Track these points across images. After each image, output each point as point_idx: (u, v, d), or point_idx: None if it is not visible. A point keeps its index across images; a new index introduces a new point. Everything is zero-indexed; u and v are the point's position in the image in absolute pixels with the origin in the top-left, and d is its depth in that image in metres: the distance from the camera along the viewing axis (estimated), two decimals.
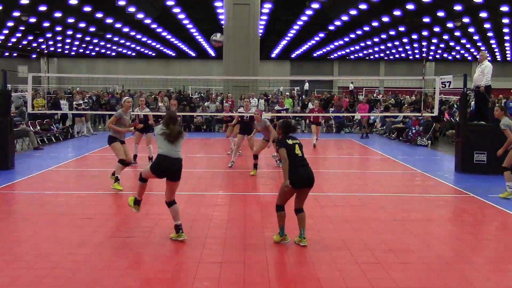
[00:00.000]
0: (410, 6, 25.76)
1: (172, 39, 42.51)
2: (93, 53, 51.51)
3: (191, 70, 51.26)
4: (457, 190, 10.42)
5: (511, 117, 10.68)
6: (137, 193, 7.02)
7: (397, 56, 52.63)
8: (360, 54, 52.33)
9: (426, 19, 29.59)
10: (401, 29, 33.73)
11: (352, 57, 54.27)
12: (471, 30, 34.07)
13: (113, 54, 52.22)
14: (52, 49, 46.79)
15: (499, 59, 49.84)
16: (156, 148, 6.77)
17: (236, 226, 7.48)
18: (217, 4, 27.60)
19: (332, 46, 46.05)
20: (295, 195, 6.50)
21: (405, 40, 41.48)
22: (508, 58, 50.68)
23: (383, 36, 38.05)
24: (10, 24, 33.00)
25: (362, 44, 43.65)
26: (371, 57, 54.26)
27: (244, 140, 13.10)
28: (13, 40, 40.64)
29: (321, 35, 38.92)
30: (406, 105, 24.28)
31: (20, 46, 45.13)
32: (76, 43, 44.25)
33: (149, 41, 43.14)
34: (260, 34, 29.38)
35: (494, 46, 42.64)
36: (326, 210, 8.39)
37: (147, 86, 33.94)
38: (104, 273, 5.53)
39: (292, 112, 23.95)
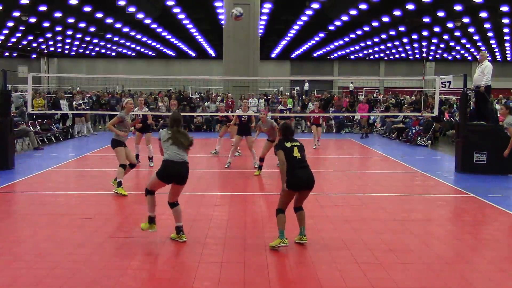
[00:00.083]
0: (410, 6, 25.77)
1: (172, 39, 42.52)
2: (93, 53, 51.53)
3: (191, 70, 51.29)
4: (457, 190, 10.42)
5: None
6: (148, 209, 6.74)
7: (397, 56, 52.64)
8: (360, 54, 52.34)
9: (426, 19, 29.59)
10: (401, 29, 33.74)
11: (352, 57, 54.29)
12: (471, 30, 34.07)
13: (113, 54, 52.24)
14: (52, 49, 46.81)
15: (499, 59, 49.85)
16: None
17: (236, 226, 7.48)
18: (217, 4, 27.60)
19: (332, 46, 46.06)
20: (295, 196, 6.49)
21: (405, 40, 41.49)
22: (508, 58, 50.68)
23: (383, 36, 38.06)
24: (10, 24, 33.01)
25: (362, 44, 43.66)
26: (371, 57, 54.27)
27: (242, 140, 13.06)
28: (13, 40, 40.65)
29: (321, 35, 38.94)
30: (406, 105, 24.28)
31: (20, 46, 45.14)
32: (76, 43, 44.27)
33: (149, 41, 43.15)
34: (260, 34, 29.39)
35: (494, 46, 42.66)
36: (326, 210, 8.39)
37: (147, 86, 33.94)
38: (104, 273, 5.53)
39: (292, 112, 23.94)
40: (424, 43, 43.11)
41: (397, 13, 27.67)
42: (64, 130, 19.77)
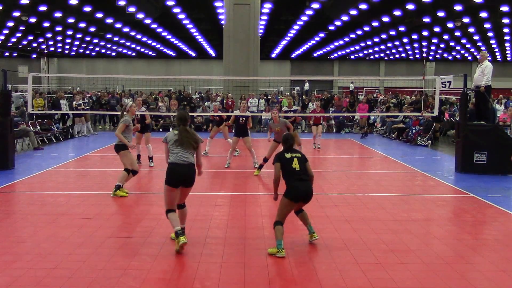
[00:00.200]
0: (410, 6, 25.77)
1: (172, 39, 42.53)
2: (93, 53, 51.54)
3: (191, 70, 51.32)
4: (457, 190, 10.42)
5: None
6: (173, 226, 6.30)
7: (397, 56, 52.65)
8: (360, 54, 52.35)
9: (426, 19, 29.59)
10: (401, 29, 33.74)
11: (352, 57, 54.30)
12: (471, 30, 34.08)
13: (113, 54, 52.25)
14: (52, 49, 46.83)
15: (499, 59, 49.85)
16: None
17: (236, 226, 7.49)
18: (217, 4, 27.61)
19: (332, 46, 46.07)
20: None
21: (405, 40, 41.50)
22: (508, 58, 50.69)
23: (383, 36, 38.06)
24: (10, 24, 33.02)
25: (362, 44, 43.67)
26: (371, 57, 54.28)
27: (239, 141, 13.04)
28: (13, 40, 40.68)
29: (321, 35, 38.95)
30: (406, 105, 24.29)
31: (20, 46, 45.17)
32: (76, 43, 44.29)
33: (149, 41, 43.16)
34: (260, 34, 29.40)
35: (494, 46, 42.66)
36: (326, 210, 8.39)
37: (147, 86, 33.96)
38: (104, 273, 5.53)
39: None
40: (424, 43, 43.12)
41: (397, 13, 27.67)
42: (64, 130, 19.78)
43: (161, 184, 10.55)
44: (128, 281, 5.35)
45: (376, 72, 53.40)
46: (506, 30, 33.88)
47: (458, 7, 25.85)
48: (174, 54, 52.82)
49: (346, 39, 40.76)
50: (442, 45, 43.76)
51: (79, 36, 39.59)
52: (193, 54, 52.76)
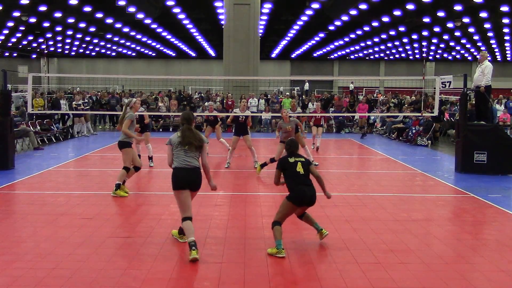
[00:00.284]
0: (410, 6, 25.77)
1: (172, 39, 42.53)
2: (93, 53, 51.55)
3: (191, 70, 51.30)
4: (457, 190, 10.42)
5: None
6: (187, 236, 6.09)
7: (397, 56, 52.66)
8: (360, 54, 52.36)
9: (426, 19, 29.60)
10: (401, 29, 33.74)
11: (352, 57, 54.30)
12: (471, 30, 34.08)
13: (113, 54, 52.25)
14: (52, 49, 46.84)
15: (499, 59, 49.85)
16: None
17: (236, 226, 7.49)
18: (217, 4, 27.62)
19: (332, 46, 46.08)
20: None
21: (405, 40, 41.50)
22: (508, 58, 50.69)
23: (383, 36, 38.06)
24: (10, 24, 33.03)
25: (362, 44, 43.67)
26: (371, 57, 54.29)
27: (240, 140, 13.02)
28: (13, 40, 40.68)
29: (321, 35, 38.95)
30: (406, 105, 24.30)
31: (20, 46, 45.17)
32: (76, 43, 44.29)
33: (149, 41, 43.16)
34: (260, 34, 29.40)
35: (494, 46, 42.66)
36: (326, 210, 8.39)
37: (147, 86, 33.94)
38: (104, 273, 5.53)
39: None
40: (424, 43, 43.12)
41: (397, 13, 27.68)
42: (64, 130, 19.78)
43: (161, 184, 10.63)
44: (128, 281, 5.35)
45: (376, 72, 53.39)
46: (506, 30, 33.88)
47: (458, 7, 25.86)
48: (174, 54, 52.83)
49: (346, 39, 40.76)
50: (442, 45, 43.76)
51: (79, 36, 39.60)
52: (193, 54, 52.76)
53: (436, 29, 33.88)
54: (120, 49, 49.25)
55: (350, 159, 15.60)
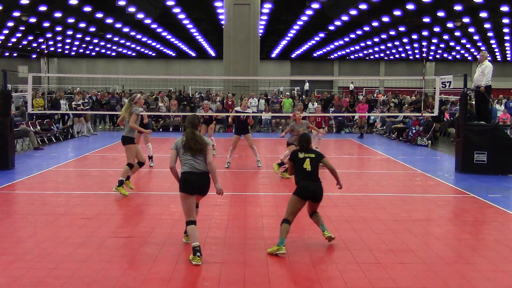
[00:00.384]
0: (410, 6, 25.77)
1: (172, 39, 42.53)
2: (93, 53, 51.55)
3: (191, 70, 51.30)
4: (457, 190, 10.42)
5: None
6: (191, 241, 6.02)
7: (397, 56, 52.66)
8: (360, 54, 52.36)
9: (426, 19, 29.59)
10: (401, 29, 33.74)
11: (352, 57, 54.31)
12: (471, 30, 34.08)
13: (113, 54, 52.25)
14: (52, 49, 46.83)
15: (499, 59, 49.84)
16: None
17: (236, 226, 7.49)
18: (217, 4, 27.62)
19: (332, 46, 46.08)
20: (307, 205, 6.52)
21: (405, 40, 41.50)
22: (508, 58, 50.69)
23: (383, 36, 38.06)
24: (10, 24, 33.03)
25: (362, 44, 43.67)
26: (371, 57, 54.29)
27: (240, 139, 13.00)
28: (13, 40, 40.67)
29: (321, 35, 38.95)
30: (406, 105, 24.31)
31: (20, 46, 45.16)
32: (76, 43, 44.29)
33: (149, 41, 43.16)
34: (260, 34, 29.40)
35: (494, 46, 42.65)
36: (326, 210, 8.38)
37: (147, 86, 33.94)
38: (104, 273, 5.53)
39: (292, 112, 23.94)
40: (424, 43, 43.12)
41: (397, 13, 27.67)
42: (64, 130, 19.78)
43: (161, 184, 10.63)
44: (128, 281, 5.36)
45: (376, 72, 53.38)
46: (506, 30, 33.87)
47: (458, 7, 25.86)
48: (174, 54, 52.83)
49: (346, 39, 40.75)
50: (442, 45, 43.75)
51: (79, 36, 39.59)
52: (193, 54, 52.76)
53: (436, 29, 33.88)
54: (120, 49, 49.24)
55: (350, 159, 15.60)
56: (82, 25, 33.24)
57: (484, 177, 11.70)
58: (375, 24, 31.95)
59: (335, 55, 52.66)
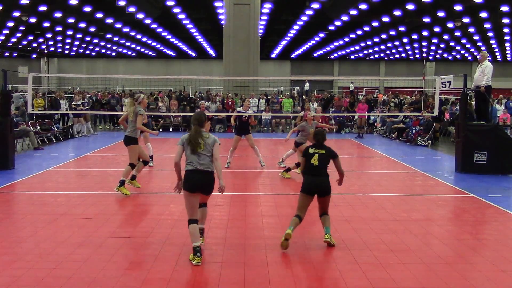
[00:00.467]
0: (410, 6, 25.77)
1: (172, 39, 42.53)
2: (93, 53, 51.56)
3: (191, 70, 51.30)
4: (457, 190, 10.42)
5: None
6: (191, 240, 5.99)
7: (397, 56, 52.66)
8: (360, 54, 52.36)
9: (426, 19, 29.60)
10: (401, 29, 33.75)
11: (352, 57, 54.31)
12: (471, 30, 34.08)
13: (113, 54, 52.25)
14: (52, 49, 46.82)
15: (499, 59, 49.84)
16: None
17: (236, 226, 7.49)
18: (217, 4, 27.62)
19: (332, 46, 46.08)
20: (317, 202, 6.62)
21: (405, 40, 41.50)
22: (508, 58, 50.69)
23: (383, 36, 38.06)
24: (10, 24, 33.03)
25: (362, 44, 43.67)
26: (371, 57, 54.29)
27: (241, 140, 13.00)
28: (13, 40, 40.68)
29: (321, 35, 38.95)
30: (406, 105, 24.32)
31: (20, 46, 45.17)
32: (76, 43, 44.29)
33: (149, 41, 43.16)
34: (260, 34, 29.41)
35: (494, 46, 42.65)
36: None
37: (147, 86, 33.94)
38: (104, 273, 5.53)
39: (292, 112, 23.97)
40: (424, 43, 43.11)
41: (397, 13, 27.68)
42: (64, 130, 19.78)
43: (161, 184, 10.63)
44: (128, 281, 5.35)
45: (376, 72, 53.38)
46: (506, 30, 33.87)
47: (458, 7, 25.86)
48: (174, 54, 52.83)
49: (346, 39, 40.75)
50: (442, 45, 43.75)
51: (79, 36, 39.59)
52: (193, 54, 52.76)
53: (436, 29, 33.88)
54: (120, 49, 49.25)
55: (350, 159, 15.59)
56: (82, 25, 33.24)
57: (484, 177, 11.70)
58: (375, 24, 31.95)
59: (335, 55, 52.67)
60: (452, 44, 42.28)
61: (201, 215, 6.31)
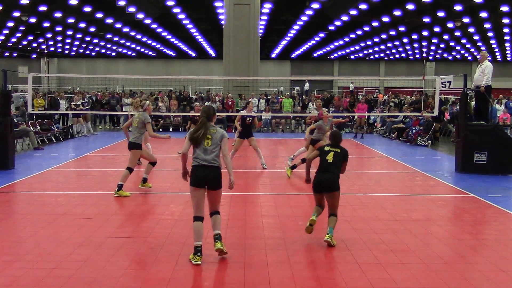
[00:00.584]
0: (410, 6, 25.76)
1: (172, 39, 42.52)
2: (93, 53, 51.55)
3: (191, 70, 51.30)
4: (457, 190, 10.42)
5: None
6: (194, 238, 5.98)
7: (397, 56, 52.65)
8: (360, 54, 52.35)
9: (426, 19, 29.59)
10: (401, 29, 33.74)
11: (352, 57, 54.30)
12: (471, 30, 34.07)
13: (113, 54, 52.25)
14: (52, 49, 46.81)
15: (499, 59, 49.84)
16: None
17: (236, 226, 7.49)
18: (217, 4, 27.61)
19: (332, 46, 46.07)
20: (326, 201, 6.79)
21: (405, 40, 41.49)
22: (508, 58, 50.68)
23: (383, 36, 38.06)
24: (10, 24, 33.02)
25: (362, 44, 43.66)
26: (371, 57, 54.28)
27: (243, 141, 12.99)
28: (13, 40, 40.67)
29: (321, 35, 38.95)
30: (406, 105, 24.32)
31: (20, 46, 45.16)
32: (76, 43, 44.28)
33: (149, 41, 43.15)
34: (260, 34, 29.40)
35: (494, 46, 42.64)
36: (326, 210, 8.38)
37: (147, 86, 33.95)
38: (104, 273, 5.53)
39: (292, 112, 23.98)
40: (424, 43, 43.10)
41: (397, 13, 27.66)
42: (64, 130, 19.78)
43: (161, 185, 10.64)
44: (128, 281, 5.36)
45: (376, 72, 53.38)
46: (506, 30, 33.86)
47: (458, 7, 25.85)
48: (174, 54, 52.82)
49: (346, 39, 40.74)
50: (442, 45, 43.74)
51: (79, 36, 39.58)
52: (193, 54, 52.76)
53: (436, 29, 33.87)
54: (120, 49, 49.24)
55: (350, 159, 15.53)
56: (82, 25, 33.22)
57: (484, 177, 11.70)
58: (375, 24, 31.94)
59: (335, 55, 52.66)
60: (452, 44, 42.28)
61: (213, 223, 6.11)
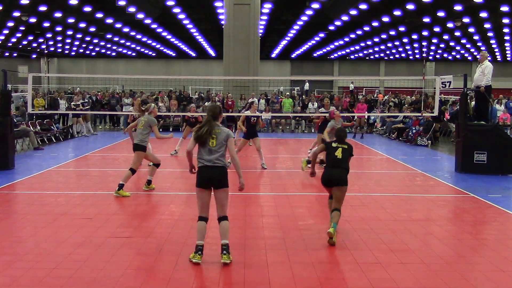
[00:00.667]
0: (410, 6, 25.77)
1: (172, 39, 42.52)
2: (93, 53, 51.55)
3: (191, 70, 51.31)
4: (457, 190, 10.42)
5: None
6: (197, 238, 5.97)
7: (397, 56, 52.63)
8: (360, 54, 52.34)
9: (426, 19, 29.59)
10: (401, 29, 33.73)
11: (352, 57, 54.28)
12: (471, 30, 34.07)
13: (113, 54, 52.24)
14: (52, 49, 46.80)
15: (499, 59, 49.83)
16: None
17: (236, 226, 7.48)
18: (217, 4, 27.61)
19: (332, 46, 46.05)
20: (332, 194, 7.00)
21: (405, 40, 41.48)
22: (508, 58, 50.67)
23: (383, 36, 38.05)
24: (10, 24, 33.01)
25: (362, 44, 43.65)
26: (371, 57, 54.27)
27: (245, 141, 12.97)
28: (13, 40, 40.65)
29: (321, 35, 38.93)
30: (406, 105, 24.32)
31: (20, 46, 45.14)
32: (76, 43, 44.27)
33: (149, 41, 43.15)
34: (260, 34, 29.40)
35: (494, 46, 42.64)
36: (326, 210, 8.37)
37: (147, 86, 33.94)
38: (104, 273, 5.53)
39: (292, 112, 23.97)
40: (424, 43, 43.09)
41: (397, 13, 27.66)
42: (64, 130, 19.78)
43: (161, 185, 10.63)
44: (128, 281, 5.35)
45: (376, 72, 53.37)
46: (506, 30, 33.86)
47: (458, 7, 25.85)
48: (174, 54, 52.82)
49: (346, 39, 40.73)
50: (442, 45, 43.73)
51: (79, 36, 39.57)
52: (193, 54, 52.75)
53: (436, 29, 33.86)
54: (120, 49, 49.23)
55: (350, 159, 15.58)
56: (82, 25, 33.22)
57: (484, 177, 11.70)
58: (375, 24, 31.94)
59: (335, 55, 52.65)
60: (452, 44, 42.27)
61: (221, 230, 6.01)
